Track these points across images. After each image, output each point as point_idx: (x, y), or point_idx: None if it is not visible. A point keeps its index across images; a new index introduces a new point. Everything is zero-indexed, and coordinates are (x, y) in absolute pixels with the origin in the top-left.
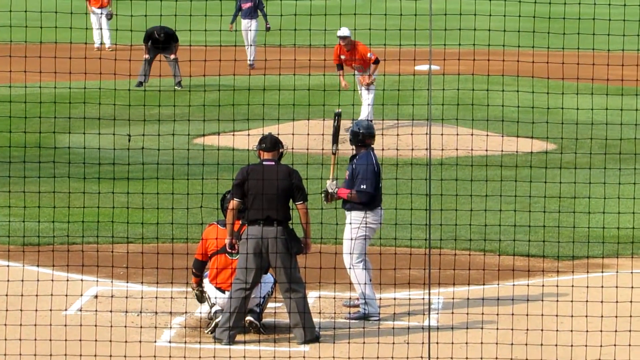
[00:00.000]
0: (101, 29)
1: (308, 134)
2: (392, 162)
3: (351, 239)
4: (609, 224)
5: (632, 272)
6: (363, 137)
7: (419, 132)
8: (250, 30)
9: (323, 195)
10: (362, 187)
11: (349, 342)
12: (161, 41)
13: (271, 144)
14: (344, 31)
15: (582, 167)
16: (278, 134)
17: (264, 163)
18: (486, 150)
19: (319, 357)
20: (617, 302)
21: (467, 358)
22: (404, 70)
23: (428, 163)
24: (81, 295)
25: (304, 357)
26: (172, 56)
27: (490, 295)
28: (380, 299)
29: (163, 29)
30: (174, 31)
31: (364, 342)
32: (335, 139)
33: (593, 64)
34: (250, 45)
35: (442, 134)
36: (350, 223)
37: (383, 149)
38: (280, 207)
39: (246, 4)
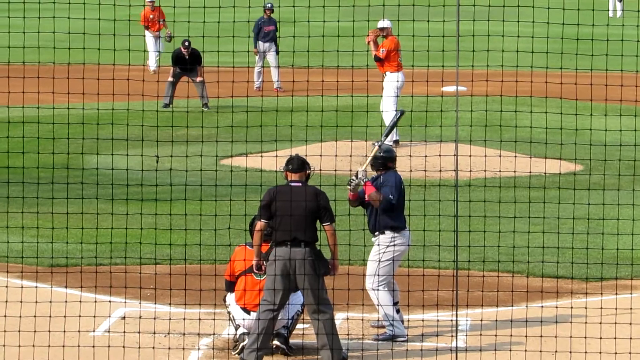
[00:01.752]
0: (159, 51)
1: (336, 155)
2: (420, 184)
3: (378, 261)
4: (638, 245)
5: None
6: (384, 160)
7: (447, 153)
8: (269, 52)
9: (351, 180)
10: (389, 196)
11: None
12: (187, 59)
13: (298, 165)
14: (380, 22)
15: (610, 188)
16: (305, 155)
17: (291, 184)
18: (514, 172)
19: None
20: None
21: None
22: (431, 92)
23: (455, 184)
24: (109, 316)
25: None
26: (199, 79)
27: (518, 316)
28: (408, 320)
29: (189, 44)
30: (200, 53)
31: None
32: (387, 133)
33: (621, 85)
34: (277, 67)
35: (470, 155)
36: (378, 245)
37: (411, 170)
38: (308, 228)
39: (268, 27)
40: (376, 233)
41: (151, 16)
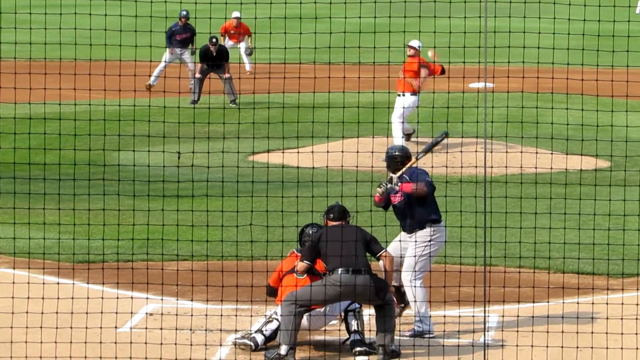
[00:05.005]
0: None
1: (358, 152)
2: (442, 180)
3: (414, 256)
4: None
5: None
6: (402, 160)
7: (469, 149)
8: (183, 55)
9: (383, 184)
10: (427, 179)
11: None
12: (214, 56)
13: (339, 213)
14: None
15: (632, 184)
16: (328, 152)
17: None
18: (536, 168)
19: None
20: None
21: None
22: (453, 88)
23: (484, 180)
24: (131, 312)
25: None
26: (226, 75)
27: (540, 312)
28: (430, 316)
29: (217, 40)
30: (227, 49)
31: None
32: (427, 149)
33: None
34: (193, 62)
35: (491, 152)
36: (416, 241)
37: (432, 167)
38: (363, 256)
39: (182, 36)
40: (416, 230)
41: (232, 31)
